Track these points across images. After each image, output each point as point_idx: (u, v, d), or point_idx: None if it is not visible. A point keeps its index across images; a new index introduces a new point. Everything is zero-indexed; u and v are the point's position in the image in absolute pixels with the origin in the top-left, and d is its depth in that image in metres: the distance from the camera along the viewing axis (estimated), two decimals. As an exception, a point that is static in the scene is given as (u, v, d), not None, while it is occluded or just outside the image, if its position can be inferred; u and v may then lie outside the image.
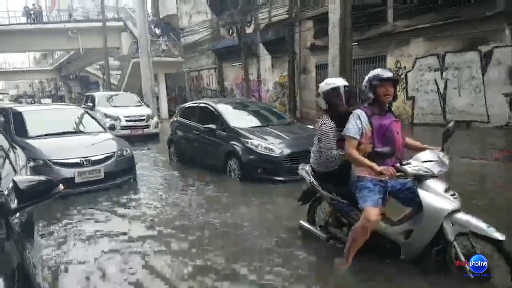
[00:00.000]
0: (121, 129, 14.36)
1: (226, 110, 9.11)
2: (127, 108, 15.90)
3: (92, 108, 15.63)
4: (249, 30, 21.25)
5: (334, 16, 11.02)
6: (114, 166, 7.51)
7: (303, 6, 17.97)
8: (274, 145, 7.74)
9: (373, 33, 14.58)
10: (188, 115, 10.13)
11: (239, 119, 8.85)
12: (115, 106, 15.98)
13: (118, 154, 7.68)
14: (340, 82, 4.37)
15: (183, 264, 4.48)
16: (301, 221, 4.93)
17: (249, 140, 7.89)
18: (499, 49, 11.41)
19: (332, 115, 4.29)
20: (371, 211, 3.74)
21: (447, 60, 12.74)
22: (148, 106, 18.65)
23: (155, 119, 16.08)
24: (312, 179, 4.53)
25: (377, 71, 3.90)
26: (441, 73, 12.96)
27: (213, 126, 8.64)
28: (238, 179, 8.03)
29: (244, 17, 20.62)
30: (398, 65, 14.32)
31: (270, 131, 8.39)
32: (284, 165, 7.59)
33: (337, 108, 4.26)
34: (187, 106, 10.88)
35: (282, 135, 8.24)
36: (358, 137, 3.82)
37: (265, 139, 7.91)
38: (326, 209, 4.75)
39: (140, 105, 17.01)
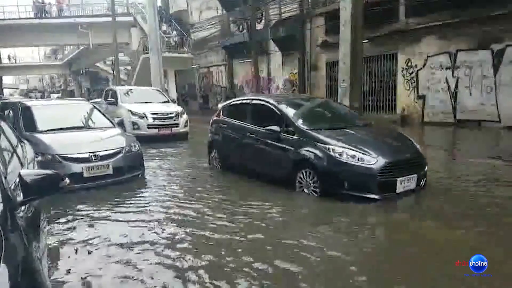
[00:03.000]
0: (148, 128, 13.29)
1: (290, 109, 7.36)
2: (153, 105, 14.42)
3: (115, 104, 14.57)
4: (259, 26, 21.24)
5: (345, 13, 10.91)
6: (122, 161, 7.47)
7: (314, 3, 17.88)
8: (365, 153, 6.02)
9: (385, 31, 14.48)
10: (236, 114, 8.43)
11: (308, 119, 7.11)
12: (140, 102, 14.35)
13: (127, 149, 7.64)
14: None
15: None
16: None
17: (330, 146, 6.17)
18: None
19: None
20: None
21: (459, 59, 12.62)
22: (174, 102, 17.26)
23: (184, 116, 14.39)
24: None
25: None
26: (453, 72, 12.85)
27: (275, 128, 6.89)
28: (314, 196, 6.30)
29: (254, 13, 20.59)
30: (409, 63, 14.23)
31: (351, 135, 6.75)
32: (380, 179, 5.93)
33: None
34: (233, 103, 9.08)
35: (368, 139, 6.70)
36: None
37: (352, 145, 6.19)
38: None
39: (166, 101, 15.50)
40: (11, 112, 8.24)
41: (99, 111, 9.38)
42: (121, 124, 9.65)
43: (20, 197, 2.42)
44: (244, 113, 8.17)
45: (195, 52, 28.21)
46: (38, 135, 7.38)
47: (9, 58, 59.15)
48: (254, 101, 8.27)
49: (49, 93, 68.27)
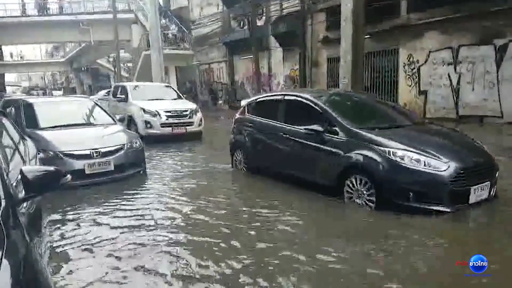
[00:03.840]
0: (162, 127, 12.53)
1: (332, 105, 6.41)
2: (166, 102, 13.67)
3: (125, 101, 13.84)
4: (260, 22, 21.21)
5: (347, 8, 10.87)
6: (124, 158, 7.51)
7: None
8: (432, 157, 5.12)
9: (386, 26, 14.41)
10: (265, 111, 7.63)
11: (354, 117, 6.23)
12: (151, 99, 13.52)
13: (128, 146, 7.67)
14: None
15: None
16: None
17: (390, 149, 5.29)
18: (514, 43, 11.25)
19: None
20: None
21: (461, 54, 12.55)
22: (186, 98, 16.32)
23: (199, 114, 13.53)
24: None
25: None
26: (455, 67, 12.78)
27: (318, 127, 6.01)
28: (369, 208, 5.40)
29: (255, 9, 20.55)
30: (411, 59, 14.16)
31: (408, 135, 5.91)
32: (452, 187, 5.03)
33: None
34: (260, 100, 8.19)
35: (431, 140, 5.81)
36: None
37: (415, 147, 5.29)
38: None
39: (178, 98, 14.68)
40: (13, 109, 8.27)
41: (101, 108, 9.41)
42: (123, 120, 9.60)
43: (21, 194, 2.43)
44: (275, 110, 7.29)
45: (196, 49, 28.20)
46: (40, 132, 7.42)
47: (11, 55, 59.29)
48: (287, 97, 7.34)
49: (50, 90, 68.29)
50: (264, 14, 21.42)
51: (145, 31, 25.96)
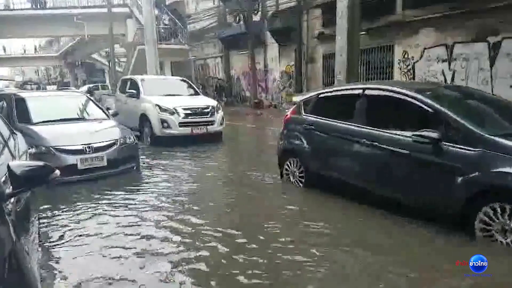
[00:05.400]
0: (180, 126, 11.12)
1: (449, 103, 4.81)
2: (182, 98, 12.20)
3: (135, 96, 12.21)
4: (256, 18, 21.17)
5: (342, 4, 10.88)
6: (117, 153, 7.45)
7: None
8: None
9: (382, 23, 14.41)
10: (334, 110, 6.02)
11: (481, 120, 4.70)
12: (166, 95, 11.99)
13: (121, 141, 7.61)
14: None
15: None
16: None
17: None
18: (508, 40, 11.26)
19: None
20: None
21: (455, 51, 12.59)
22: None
23: (221, 112, 12.09)
24: None
25: None
26: (449, 64, 12.82)
27: (432, 134, 4.34)
28: None
29: (251, 4, 20.50)
30: (406, 55, 14.18)
31: None
32: None
33: None
34: (325, 95, 6.49)
35: None
36: None
37: None
38: None
39: (196, 94, 13.19)
40: (4, 104, 8.18)
41: (94, 102, 9.36)
42: (115, 115, 9.43)
43: (9, 189, 2.39)
44: (350, 109, 5.60)
45: (192, 44, 28.12)
46: (32, 127, 7.33)
47: (4, 49, 58.89)
48: (368, 92, 5.58)
49: (44, 85, 67.94)
50: (260, 9, 21.38)
51: (140, 26, 25.83)
